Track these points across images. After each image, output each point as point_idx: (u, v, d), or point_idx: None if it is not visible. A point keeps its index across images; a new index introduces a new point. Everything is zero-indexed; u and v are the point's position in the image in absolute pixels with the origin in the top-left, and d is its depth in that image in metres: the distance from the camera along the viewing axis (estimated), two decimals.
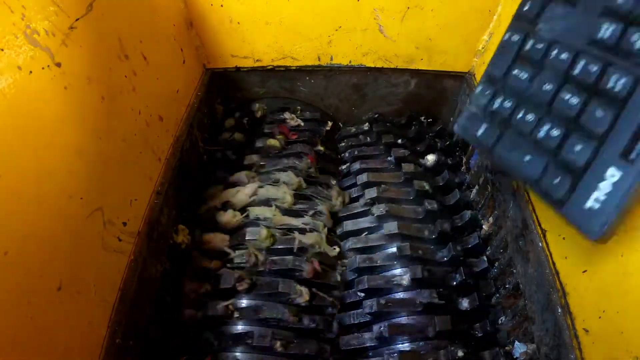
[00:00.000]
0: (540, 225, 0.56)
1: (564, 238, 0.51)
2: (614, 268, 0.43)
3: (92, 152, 0.48)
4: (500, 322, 0.62)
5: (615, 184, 0.39)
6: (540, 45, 0.48)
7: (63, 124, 0.44)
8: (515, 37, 0.52)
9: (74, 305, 0.43)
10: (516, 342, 0.57)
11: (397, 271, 0.66)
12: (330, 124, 0.95)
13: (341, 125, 0.98)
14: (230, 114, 0.94)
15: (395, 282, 0.64)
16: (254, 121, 0.93)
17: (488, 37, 0.78)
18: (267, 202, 0.74)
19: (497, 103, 0.52)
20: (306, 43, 0.83)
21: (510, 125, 0.50)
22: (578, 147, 0.42)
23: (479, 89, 0.56)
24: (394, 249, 0.67)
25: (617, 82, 0.39)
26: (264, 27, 0.80)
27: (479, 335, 0.60)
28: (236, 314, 0.60)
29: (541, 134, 0.46)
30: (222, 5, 0.78)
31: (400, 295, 0.63)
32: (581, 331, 0.46)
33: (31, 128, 0.40)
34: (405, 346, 0.59)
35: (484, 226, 0.71)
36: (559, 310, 0.49)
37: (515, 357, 0.56)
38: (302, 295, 0.62)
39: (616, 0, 0.40)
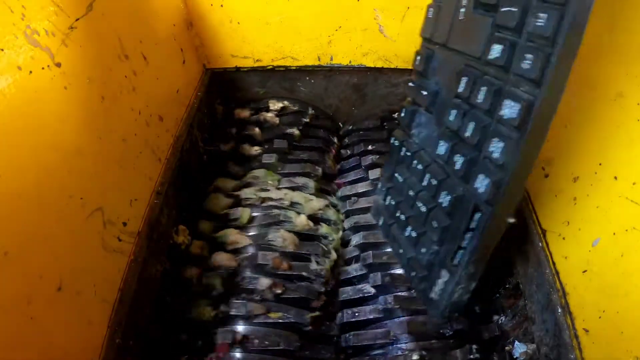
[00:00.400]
0: (540, 225, 0.56)
1: (564, 238, 0.51)
2: (614, 268, 0.43)
3: (92, 152, 0.48)
4: (500, 322, 0.62)
5: (445, 283, 0.47)
6: (409, 153, 0.54)
7: (63, 124, 0.44)
8: (396, 142, 0.59)
9: (74, 306, 0.43)
10: (516, 342, 0.57)
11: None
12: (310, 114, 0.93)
13: (341, 125, 0.97)
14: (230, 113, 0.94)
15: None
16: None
17: None
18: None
19: (388, 200, 0.59)
20: (306, 43, 0.83)
21: (395, 221, 0.57)
22: (424, 249, 0.50)
23: (380, 184, 0.64)
24: None
25: (445, 199, 0.46)
26: (264, 27, 0.80)
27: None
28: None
29: (406, 232, 0.54)
30: (222, 5, 0.78)
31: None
32: (581, 331, 0.46)
33: (31, 128, 0.39)
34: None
35: None
36: (559, 310, 0.49)
37: (515, 357, 0.56)
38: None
39: (449, 122, 0.47)
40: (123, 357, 0.49)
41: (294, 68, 0.87)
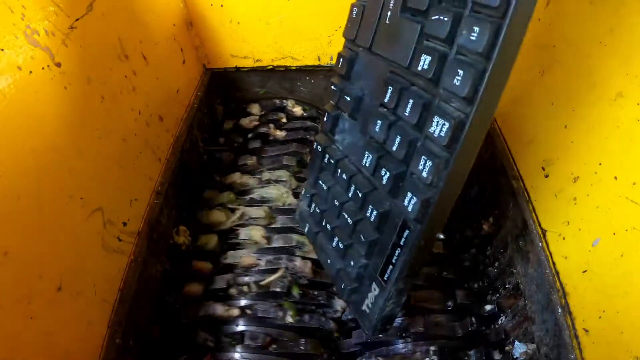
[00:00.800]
0: (540, 225, 0.56)
1: (564, 238, 0.51)
2: (614, 268, 0.43)
3: (92, 152, 0.48)
4: (500, 322, 0.62)
5: (376, 297, 0.45)
6: (332, 161, 0.52)
7: (63, 124, 0.44)
8: (319, 148, 0.54)
9: (74, 306, 0.43)
10: (516, 342, 0.57)
11: None
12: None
13: None
14: (230, 115, 0.94)
15: None
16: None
17: None
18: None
19: (312, 207, 0.57)
20: (306, 43, 0.83)
21: (321, 230, 0.55)
22: (352, 262, 0.48)
23: (304, 190, 0.61)
24: None
25: (372, 213, 0.44)
26: (264, 27, 0.80)
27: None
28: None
29: (333, 243, 0.51)
30: (222, 5, 0.78)
31: None
32: (581, 331, 0.46)
33: (31, 128, 0.40)
34: None
35: (484, 226, 0.71)
36: (559, 310, 0.49)
37: (515, 357, 0.56)
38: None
39: (374, 132, 0.43)
40: (123, 357, 0.49)
41: (294, 68, 0.87)
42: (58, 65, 0.43)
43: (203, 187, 0.78)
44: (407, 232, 0.40)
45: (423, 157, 0.37)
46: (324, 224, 0.53)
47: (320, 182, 0.54)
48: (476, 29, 0.31)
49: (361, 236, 0.45)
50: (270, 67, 0.87)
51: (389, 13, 0.42)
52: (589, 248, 0.46)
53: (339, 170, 0.50)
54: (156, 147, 0.64)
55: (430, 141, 0.37)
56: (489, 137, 0.71)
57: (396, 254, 0.42)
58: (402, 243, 0.41)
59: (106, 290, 0.48)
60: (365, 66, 0.47)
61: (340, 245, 0.50)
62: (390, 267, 0.43)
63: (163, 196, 0.63)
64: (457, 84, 0.33)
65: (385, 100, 0.41)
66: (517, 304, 0.59)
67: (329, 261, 0.53)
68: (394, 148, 0.40)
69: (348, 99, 0.48)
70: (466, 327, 0.59)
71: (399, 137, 0.40)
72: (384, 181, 0.42)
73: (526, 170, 0.61)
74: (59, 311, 0.41)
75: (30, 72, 0.40)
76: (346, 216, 0.48)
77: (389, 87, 0.41)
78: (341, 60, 0.50)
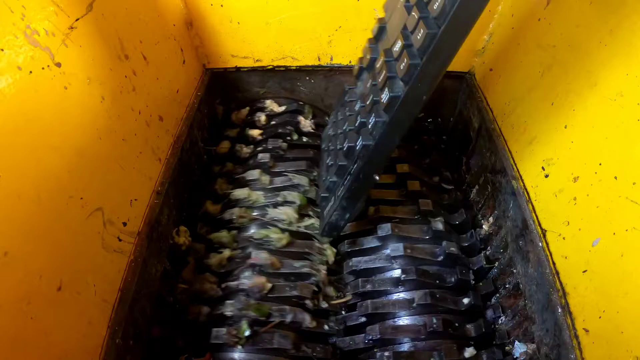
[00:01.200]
0: (540, 225, 0.56)
1: (564, 238, 0.51)
2: (614, 268, 0.43)
3: (92, 152, 0.48)
4: (500, 322, 0.62)
5: (330, 206, 0.64)
6: (348, 99, 0.66)
7: (63, 124, 0.44)
8: (346, 88, 0.69)
9: (74, 305, 0.43)
10: (516, 342, 0.57)
11: None
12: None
13: None
14: (230, 113, 0.94)
15: None
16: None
17: (488, 37, 0.78)
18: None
19: (330, 131, 0.76)
20: (306, 43, 0.83)
21: (327, 149, 0.73)
22: (329, 177, 0.63)
23: (331, 116, 0.79)
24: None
25: (345, 144, 0.58)
26: (264, 27, 0.80)
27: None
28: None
29: (327, 161, 0.69)
30: (222, 5, 0.78)
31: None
32: (581, 331, 0.46)
33: (31, 128, 0.40)
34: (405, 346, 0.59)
35: (484, 226, 0.71)
36: (559, 310, 0.49)
37: (515, 357, 0.56)
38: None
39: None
40: (123, 357, 0.49)
41: (294, 68, 0.87)
42: (58, 65, 0.43)
43: (204, 186, 0.78)
44: (355, 165, 0.56)
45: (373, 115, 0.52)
46: (329, 144, 0.70)
47: (338, 113, 0.70)
48: None
49: (337, 159, 0.60)
50: (270, 67, 0.87)
51: None
52: (589, 248, 0.46)
53: (347, 109, 0.64)
54: (156, 147, 0.64)
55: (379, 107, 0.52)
56: (489, 136, 0.71)
57: (346, 178, 0.59)
58: (350, 172, 0.58)
59: (106, 290, 0.48)
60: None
61: (329, 163, 0.66)
62: (342, 187, 0.60)
63: (163, 196, 0.63)
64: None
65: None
66: (517, 303, 0.59)
67: (322, 174, 0.70)
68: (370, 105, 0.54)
69: (368, 56, 0.60)
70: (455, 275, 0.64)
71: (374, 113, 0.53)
72: (356, 124, 0.57)
73: (526, 170, 0.61)
74: (59, 311, 0.41)
75: (30, 72, 0.40)
76: (337, 142, 0.63)
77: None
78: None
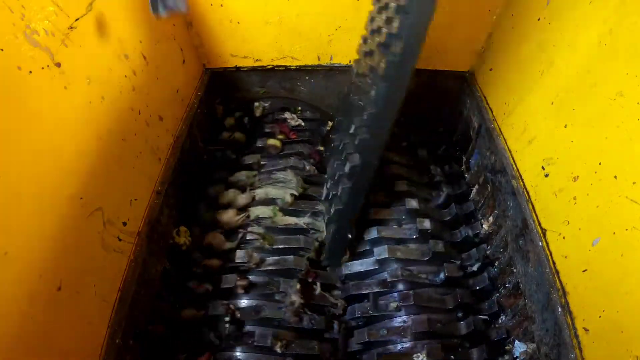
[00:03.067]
0: (540, 224, 0.56)
1: (564, 237, 0.51)
2: (614, 267, 0.43)
3: (92, 152, 0.48)
4: (500, 321, 0.62)
5: (326, 226, 0.76)
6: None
7: (63, 124, 0.44)
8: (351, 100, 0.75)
9: (74, 305, 0.43)
10: (516, 342, 0.57)
11: None
12: (330, 124, 0.95)
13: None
14: (231, 113, 0.94)
15: None
16: (253, 120, 0.93)
17: (488, 37, 0.78)
18: (267, 202, 0.74)
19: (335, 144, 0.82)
20: (306, 43, 0.83)
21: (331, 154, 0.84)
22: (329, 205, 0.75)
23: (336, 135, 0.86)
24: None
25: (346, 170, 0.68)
26: (263, 27, 0.80)
27: None
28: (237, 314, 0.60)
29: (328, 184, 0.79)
30: (222, 5, 0.77)
31: None
32: (581, 330, 0.46)
33: (31, 128, 0.40)
34: None
35: (484, 225, 0.71)
36: (559, 310, 0.49)
37: (515, 356, 0.56)
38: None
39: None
40: (123, 356, 0.49)
41: (294, 68, 0.87)
42: (58, 65, 0.43)
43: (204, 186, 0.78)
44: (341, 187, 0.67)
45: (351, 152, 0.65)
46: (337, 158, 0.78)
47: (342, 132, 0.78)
48: None
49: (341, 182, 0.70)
50: (270, 66, 0.87)
51: None
52: (589, 247, 0.46)
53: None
54: (156, 147, 0.64)
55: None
56: (489, 136, 0.71)
57: (333, 204, 0.69)
58: (338, 194, 0.68)
59: (106, 290, 0.48)
60: None
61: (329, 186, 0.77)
62: (332, 209, 0.71)
63: (163, 196, 0.63)
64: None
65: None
66: (517, 303, 0.59)
67: (325, 184, 0.80)
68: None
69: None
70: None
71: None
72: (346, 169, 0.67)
73: (526, 170, 0.61)
74: (59, 311, 0.41)
75: (30, 72, 0.40)
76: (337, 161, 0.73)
77: None
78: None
